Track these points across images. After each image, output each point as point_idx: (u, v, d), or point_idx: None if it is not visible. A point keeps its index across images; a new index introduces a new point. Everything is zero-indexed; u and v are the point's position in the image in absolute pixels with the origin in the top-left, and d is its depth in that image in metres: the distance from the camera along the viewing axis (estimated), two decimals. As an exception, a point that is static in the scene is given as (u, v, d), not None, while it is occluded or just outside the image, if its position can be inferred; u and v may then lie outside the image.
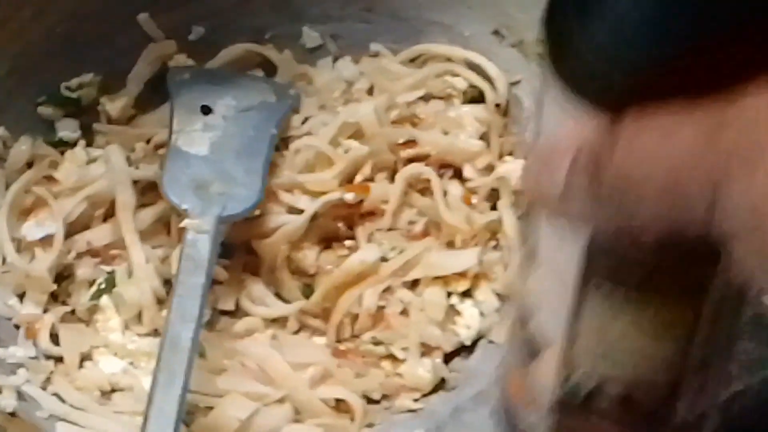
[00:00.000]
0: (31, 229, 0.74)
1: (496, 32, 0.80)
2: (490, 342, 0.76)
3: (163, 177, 0.73)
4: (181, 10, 0.82)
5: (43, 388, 0.69)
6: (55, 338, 0.72)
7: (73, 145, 0.79)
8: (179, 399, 0.61)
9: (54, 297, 0.74)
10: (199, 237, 0.70)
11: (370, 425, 0.72)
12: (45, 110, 0.79)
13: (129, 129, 0.81)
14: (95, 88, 0.80)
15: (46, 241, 0.74)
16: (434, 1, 0.82)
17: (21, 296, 0.73)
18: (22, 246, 0.74)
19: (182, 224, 0.70)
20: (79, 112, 0.80)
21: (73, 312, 0.74)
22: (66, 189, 0.75)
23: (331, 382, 0.73)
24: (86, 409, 0.69)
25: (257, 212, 0.75)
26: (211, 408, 0.69)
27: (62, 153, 0.78)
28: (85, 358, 0.73)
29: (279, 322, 0.76)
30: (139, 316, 0.74)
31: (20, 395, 0.67)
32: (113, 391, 0.72)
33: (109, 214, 0.76)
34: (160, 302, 0.74)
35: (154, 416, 0.60)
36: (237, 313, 0.76)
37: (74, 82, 0.79)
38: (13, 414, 0.65)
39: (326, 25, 0.85)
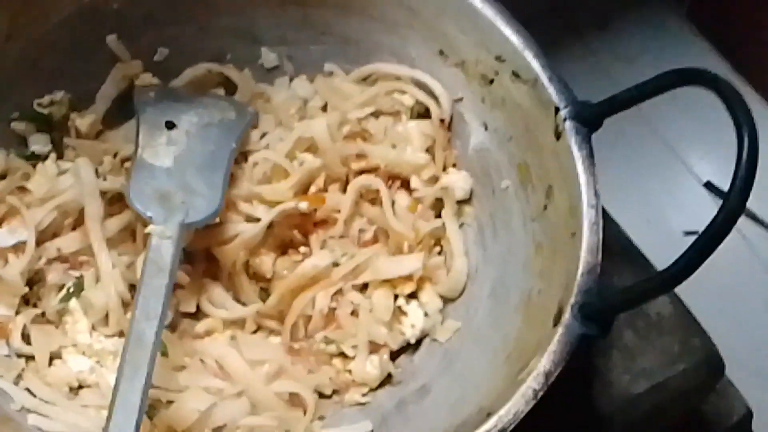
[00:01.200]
0: (4, 237, 0.78)
1: (440, 53, 0.85)
2: (434, 340, 0.81)
3: (130, 187, 0.78)
4: (148, 33, 0.87)
5: (15, 384, 0.74)
6: (26, 338, 0.77)
7: (44, 158, 0.84)
8: (143, 390, 0.66)
9: (25, 300, 0.79)
10: (163, 242, 0.74)
11: (321, 418, 0.78)
12: (18, 126, 0.83)
13: (97, 143, 0.85)
14: (65, 105, 0.85)
15: (18, 247, 0.78)
16: (383, 25, 0.86)
17: (-6, 299, 0.78)
18: (-5, 252, 0.78)
19: (147, 230, 0.75)
20: (50, 127, 0.85)
21: (43, 314, 0.79)
22: (37, 199, 0.80)
23: (286, 378, 0.78)
24: (55, 402, 0.73)
25: (217, 220, 0.80)
26: (172, 402, 0.74)
27: (34, 166, 0.83)
28: (54, 356, 0.77)
29: (237, 323, 0.81)
30: (105, 319, 0.79)
31: (-7, 389, 0.71)
32: (81, 387, 0.77)
33: (78, 223, 0.80)
34: (126, 305, 0.79)
35: (119, 405, 0.65)
36: (198, 315, 0.81)
37: (46, 99, 0.84)
38: (-13, 407, 0.70)
39: (283, 47, 0.90)
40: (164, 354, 0.77)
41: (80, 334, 0.78)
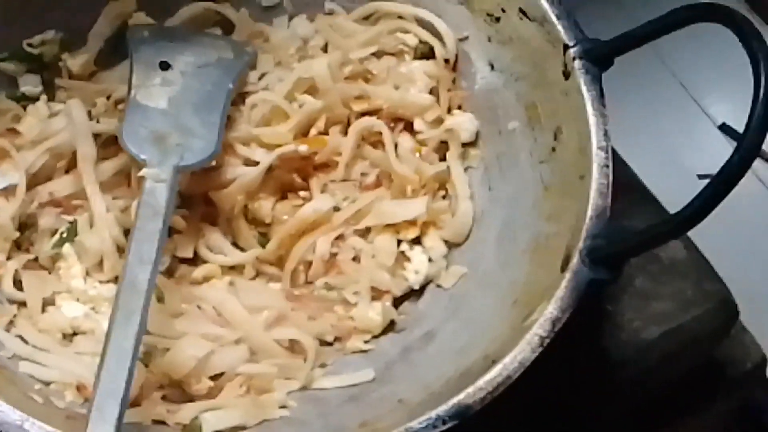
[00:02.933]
0: (-6, 177, 0.76)
1: (445, -10, 0.82)
2: (438, 286, 0.79)
3: (123, 129, 0.75)
4: (142, -32, 0.84)
5: (7, 330, 0.72)
6: (18, 284, 0.75)
7: (35, 99, 0.81)
8: (136, 336, 0.64)
9: (17, 245, 0.77)
10: (157, 185, 0.72)
11: (322, 365, 0.76)
12: (7, 66, 0.80)
13: (90, 84, 0.83)
14: (57, 45, 0.82)
15: (9, 191, 0.76)
16: (386, -39, 0.83)
17: (-15, 245, 0.75)
18: (-16, 196, 0.76)
19: (141, 173, 0.72)
20: (41, 68, 0.82)
21: (36, 260, 0.77)
22: (28, 142, 0.77)
23: (286, 325, 0.76)
24: (49, 349, 0.72)
25: (214, 163, 0.78)
26: (169, 349, 0.72)
27: (24, 108, 0.80)
28: (47, 303, 0.75)
29: (236, 269, 0.79)
30: (100, 264, 0.76)
31: (-16, 336, 0.69)
32: (75, 334, 0.74)
33: (71, 167, 0.78)
34: (121, 251, 0.76)
35: (111, 352, 0.63)
36: (195, 260, 0.79)
37: (36, 39, 0.81)
38: (-22, 354, 0.68)
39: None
40: (160, 300, 0.75)
41: (74, 280, 0.76)
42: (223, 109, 0.79)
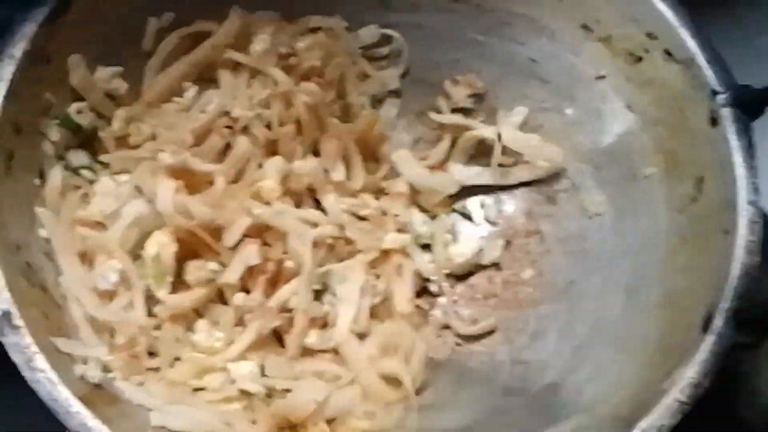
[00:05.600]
0: (99, 280, 0.71)
1: (583, 27, 0.78)
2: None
3: None
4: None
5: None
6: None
7: (87, 168, 0.76)
8: None
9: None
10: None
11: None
12: (57, 139, 0.73)
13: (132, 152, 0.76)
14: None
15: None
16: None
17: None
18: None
19: None
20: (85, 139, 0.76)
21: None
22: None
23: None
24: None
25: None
26: (288, 390, 0.70)
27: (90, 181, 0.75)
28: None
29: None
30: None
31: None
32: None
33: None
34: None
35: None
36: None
37: (73, 107, 0.75)
38: (98, 386, 0.66)
39: (414, 14, 0.84)
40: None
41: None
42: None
